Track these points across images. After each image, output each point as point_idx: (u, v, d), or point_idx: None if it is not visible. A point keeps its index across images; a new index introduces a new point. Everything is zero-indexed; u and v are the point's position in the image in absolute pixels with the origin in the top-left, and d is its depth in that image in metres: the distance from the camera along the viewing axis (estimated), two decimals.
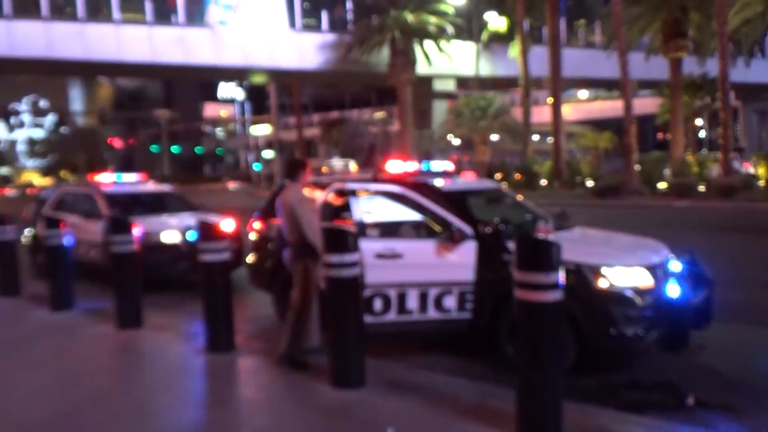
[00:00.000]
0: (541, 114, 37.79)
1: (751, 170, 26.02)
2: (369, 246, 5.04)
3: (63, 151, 63.77)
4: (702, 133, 44.72)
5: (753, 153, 31.90)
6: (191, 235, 8.34)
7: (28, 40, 26.69)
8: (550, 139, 30.96)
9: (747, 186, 22.04)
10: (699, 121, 39.27)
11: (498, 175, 29.51)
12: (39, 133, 70.57)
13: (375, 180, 5.79)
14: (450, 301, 4.99)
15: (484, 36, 34.36)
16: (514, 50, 31.56)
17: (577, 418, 3.56)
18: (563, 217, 6.09)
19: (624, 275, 4.58)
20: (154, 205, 9.96)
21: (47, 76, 57.62)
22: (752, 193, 21.25)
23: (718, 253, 8.70)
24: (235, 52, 30.48)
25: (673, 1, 25.36)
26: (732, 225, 14.50)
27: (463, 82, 36.24)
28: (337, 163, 34.25)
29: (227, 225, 7.15)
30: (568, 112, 39.42)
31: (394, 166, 5.81)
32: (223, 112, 78.66)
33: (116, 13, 29.71)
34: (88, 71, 41.83)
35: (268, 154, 59.75)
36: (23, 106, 68.32)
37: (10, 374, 4.96)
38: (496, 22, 34.40)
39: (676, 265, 5.00)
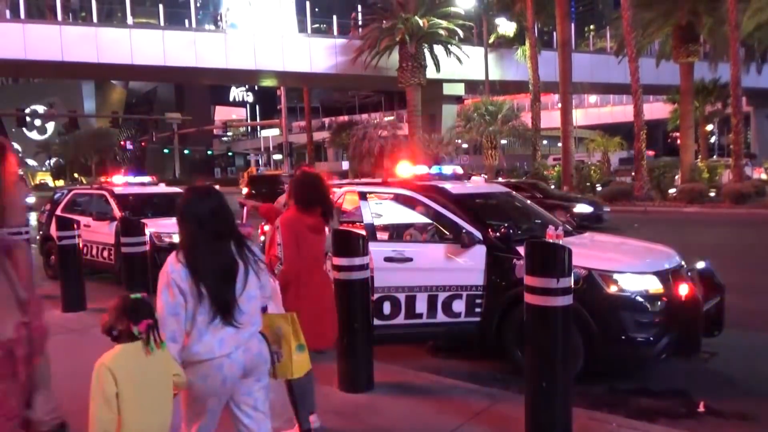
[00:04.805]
0: (551, 119, 37.66)
1: (763, 176, 25.78)
2: (378, 249, 5.05)
3: (76, 153, 64.36)
4: (713, 139, 44.33)
5: (765, 159, 31.59)
6: None
7: (43, 43, 26.96)
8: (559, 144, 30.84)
9: (759, 192, 21.83)
10: (710, 127, 38.93)
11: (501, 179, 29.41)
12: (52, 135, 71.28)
13: (385, 183, 5.80)
14: (459, 305, 4.98)
15: (493, 40, 34.32)
16: (522, 54, 31.49)
17: (586, 424, 3.55)
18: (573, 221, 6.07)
19: (635, 281, 4.55)
20: (166, 206, 10.02)
21: (61, 78, 58.32)
22: (764, 199, 21.03)
23: (730, 260, 8.62)
24: (246, 55, 30.68)
25: (685, 6, 25.16)
26: (744, 231, 14.35)
27: (472, 86, 36.19)
28: None
29: None
30: (579, 116, 39.21)
31: (405, 169, 5.81)
32: (234, 116, 79.17)
33: (129, 18, 30.05)
34: (102, 74, 42.16)
35: (277, 156, 59.95)
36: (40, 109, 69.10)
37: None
38: (505, 26, 34.36)
39: (687, 271, 4.97)
